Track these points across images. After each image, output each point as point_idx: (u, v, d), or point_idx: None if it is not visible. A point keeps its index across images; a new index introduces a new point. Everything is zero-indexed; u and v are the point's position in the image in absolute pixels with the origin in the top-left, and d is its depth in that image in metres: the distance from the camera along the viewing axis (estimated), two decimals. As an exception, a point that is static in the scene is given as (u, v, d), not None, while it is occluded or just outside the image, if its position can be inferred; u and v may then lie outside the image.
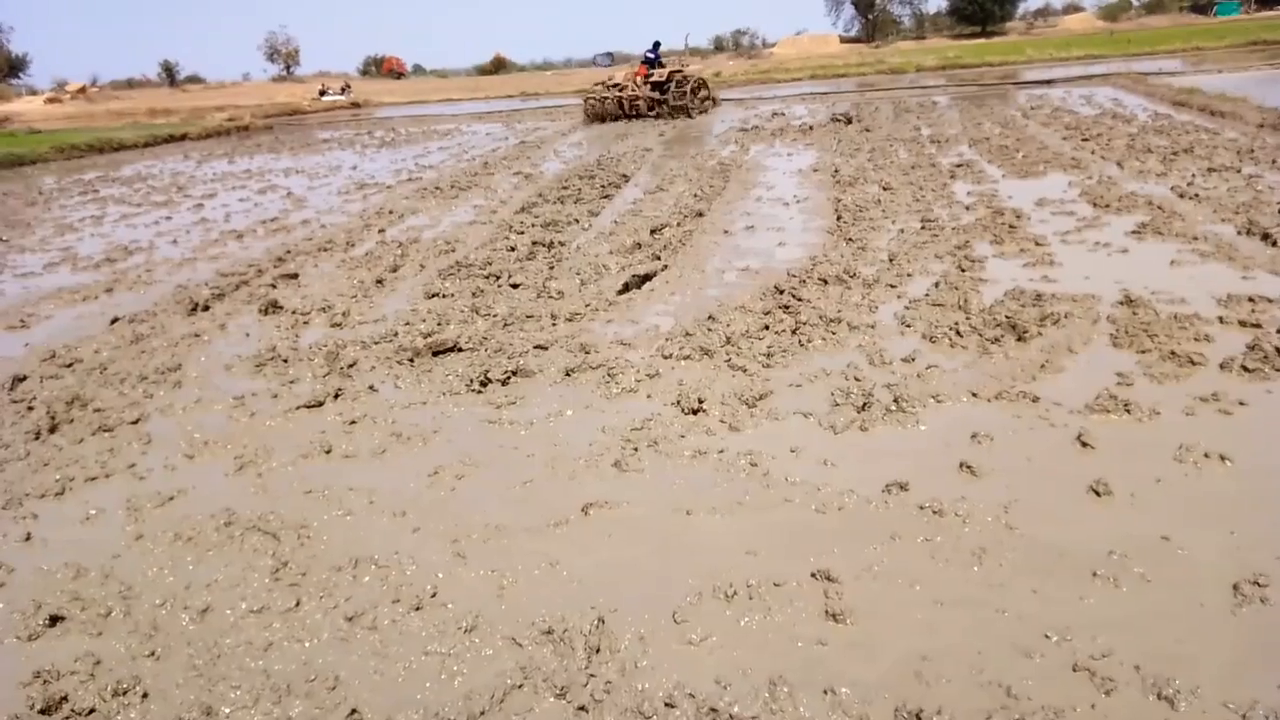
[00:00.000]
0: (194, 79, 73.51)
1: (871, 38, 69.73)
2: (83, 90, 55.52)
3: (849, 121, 16.76)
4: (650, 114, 21.80)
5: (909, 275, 6.03)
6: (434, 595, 2.89)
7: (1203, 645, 2.40)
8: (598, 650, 2.54)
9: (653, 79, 22.20)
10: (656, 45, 23.14)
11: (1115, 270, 5.79)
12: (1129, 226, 6.88)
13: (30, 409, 4.76)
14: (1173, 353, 4.28)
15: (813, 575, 2.81)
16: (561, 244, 7.87)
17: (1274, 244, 5.97)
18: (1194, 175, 8.65)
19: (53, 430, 4.48)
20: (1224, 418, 3.68)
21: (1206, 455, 3.34)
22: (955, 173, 10.12)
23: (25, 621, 2.89)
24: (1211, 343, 4.43)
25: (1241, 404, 3.76)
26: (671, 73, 22.33)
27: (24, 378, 5.23)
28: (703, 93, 22.74)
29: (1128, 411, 3.75)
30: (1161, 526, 2.93)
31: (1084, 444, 3.51)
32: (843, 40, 70.29)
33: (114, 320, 6.38)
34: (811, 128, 16.49)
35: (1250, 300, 4.92)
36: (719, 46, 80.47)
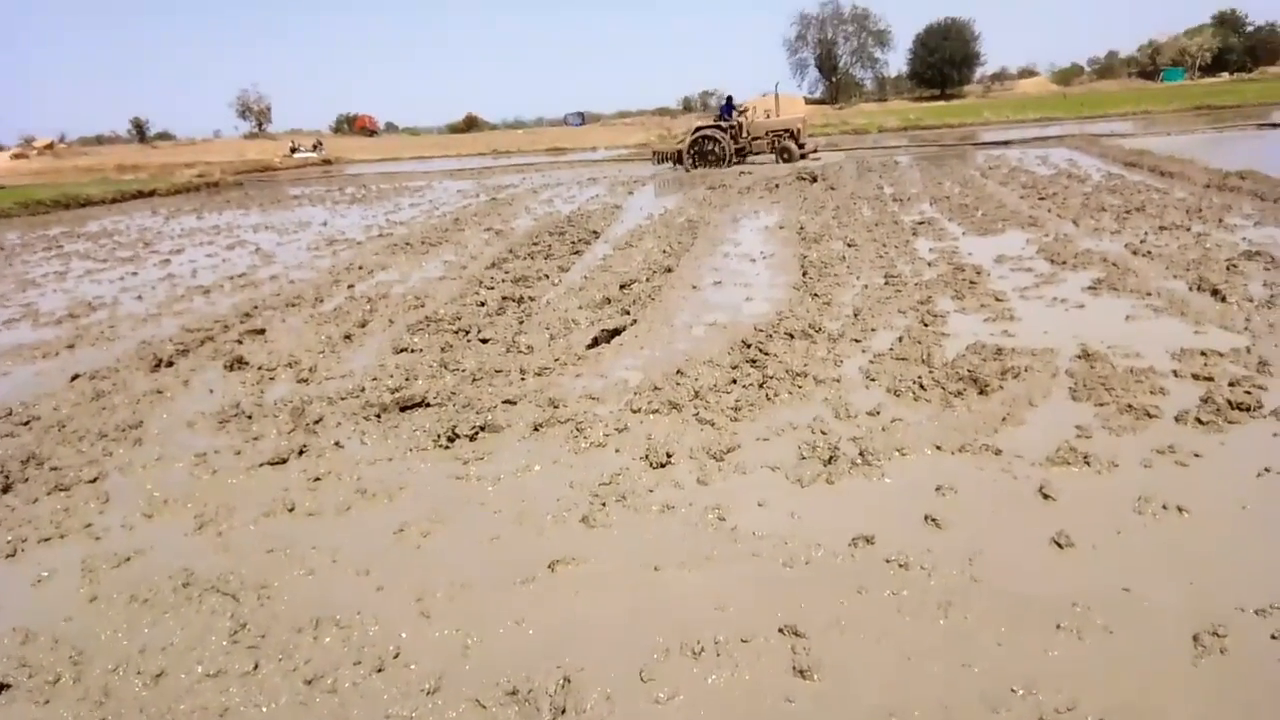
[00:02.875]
0: (164, 135, 73.58)
1: (835, 99, 71.70)
2: (50, 146, 55.31)
3: (814, 180, 17.15)
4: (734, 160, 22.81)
5: (873, 330, 6.13)
6: (396, 656, 2.83)
7: (1166, 696, 2.42)
8: (563, 711, 2.51)
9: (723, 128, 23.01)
10: (729, 99, 23.75)
11: (1073, 325, 5.93)
12: (1085, 282, 7.07)
13: (-16, 468, 4.64)
14: (1129, 405, 4.37)
15: (780, 630, 2.80)
16: (531, 299, 7.91)
17: (1223, 299, 6.15)
18: (1146, 233, 8.94)
19: (6, 490, 4.37)
20: (1180, 469, 3.75)
21: (1165, 506, 3.40)
22: (917, 230, 10.36)
23: (-31, 689, 2.78)
24: (1166, 395, 4.53)
25: (1197, 455, 3.84)
26: (731, 124, 23.00)
27: (-22, 436, 5.11)
28: (783, 143, 22.76)
29: (1087, 463, 3.82)
30: (1122, 577, 2.97)
31: (1045, 495, 3.56)
32: (808, 101, 72.21)
33: (74, 377, 6.27)
34: (778, 185, 16.82)
35: (1203, 354, 5.06)
36: (688, 106, 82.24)
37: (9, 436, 5.12)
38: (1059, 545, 3.19)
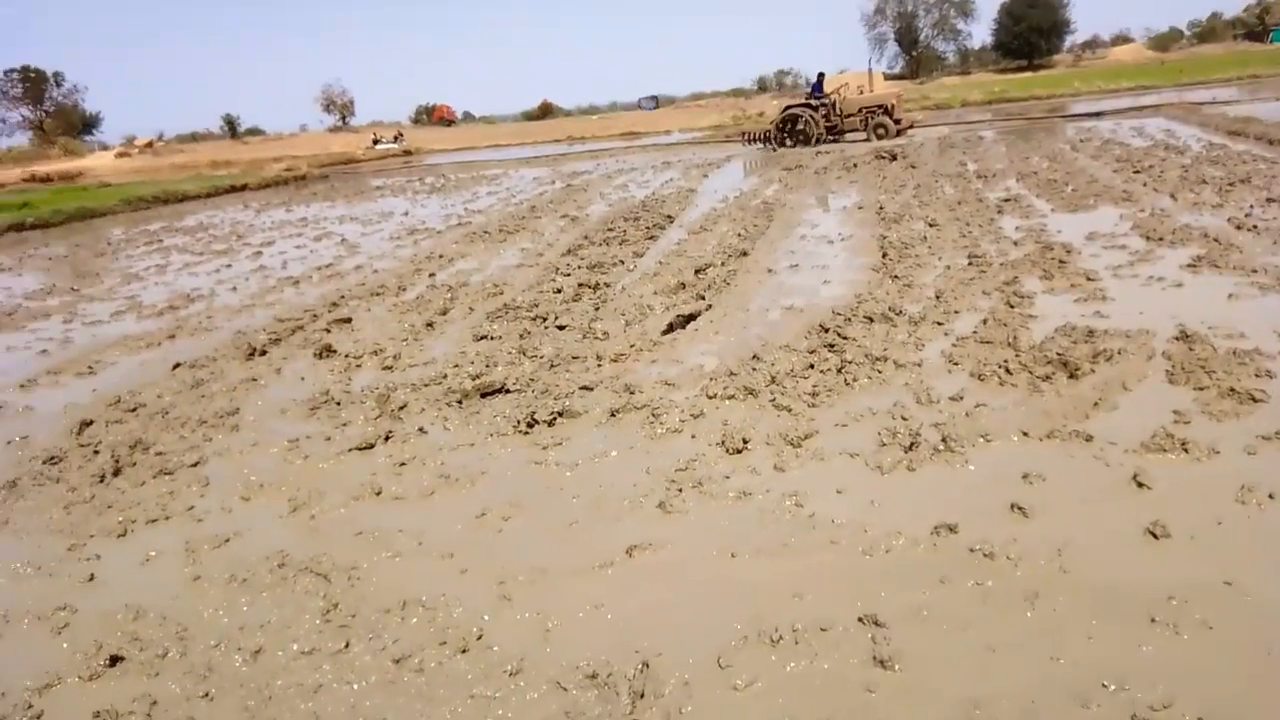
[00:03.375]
0: (254, 131, 76.28)
1: (916, 74, 69.66)
2: (149, 145, 57.93)
3: (894, 158, 16.74)
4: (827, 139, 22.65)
5: (956, 312, 5.97)
6: (480, 638, 2.91)
7: (1271, 696, 2.31)
8: (642, 695, 2.53)
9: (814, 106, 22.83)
10: (820, 76, 23.52)
11: (1170, 305, 5.66)
12: (1184, 260, 6.73)
13: (96, 453, 4.93)
14: (1232, 389, 4.16)
15: (860, 620, 2.77)
16: (607, 285, 7.96)
17: (1338, 275, 5.79)
18: (1252, 206, 8.45)
19: (116, 473, 4.63)
20: (1288, 456, 3.55)
21: (1271, 496, 3.23)
22: (1002, 208, 10.02)
23: (87, 662, 2.97)
24: (1274, 379, 4.29)
25: (1307, 442, 3.63)
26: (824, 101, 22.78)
27: (90, 422, 5.42)
28: (877, 119, 22.25)
29: (1185, 450, 3.65)
30: (1224, 570, 2.83)
31: (1140, 484, 3.42)
32: (887, 78, 70.46)
33: (175, 366, 6.59)
34: (856, 164, 16.49)
35: (1314, 334, 4.77)
36: (762, 87, 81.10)
37: (118, 423, 5.42)
38: (1154, 536, 3.07)
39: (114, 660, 2.98)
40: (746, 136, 25.94)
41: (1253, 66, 37.65)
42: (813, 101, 22.85)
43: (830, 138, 22.60)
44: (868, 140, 21.71)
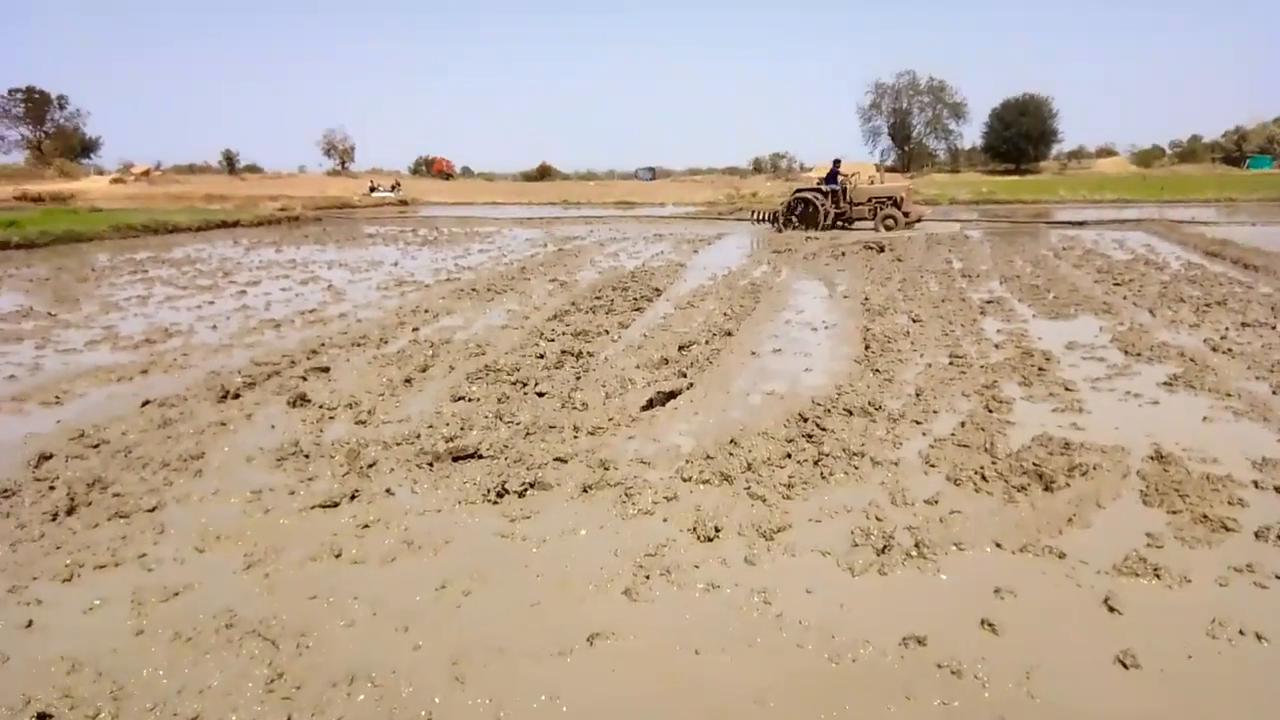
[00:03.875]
0: (252, 168, 76.90)
1: (907, 168, 71.59)
2: (146, 173, 58.21)
3: (881, 250, 17.04)
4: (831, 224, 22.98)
5: (935, 412, 5.99)
6: (428, 722, 2.79)
7: None
8: (592, 799, 2.43)
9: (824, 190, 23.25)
10: (836, 163, 23.86)
11: (1146, 422, 5.71)
12: (1160, 377, 6.83)
13: (52, 489, 4.79)
14: (1205, 515, 4.16)
15: (822, 732, 2.69)
16: (590, 354, 7.95)
17: (1310, 406, 5.87)
18: (1227, 328, 8.63)
19: (70, 512, 4.49)
20: (1259, 591, 3.54)
21: (1241, 632, 3.20)
22: (985, 309, 10.18)
23: (13, 717, 2.82)
24: (1246, 508, 4.31)
25: (1278, 577, 3.62)
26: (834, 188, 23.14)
27: (49, 456, 5.28)
28: (886, 211, 22.52)
29: (1157, 576, 3.63)
30: (1192, 708, 2.79)
31: (1111, 608, 3.39)
32: (878, 169, 72.28)
33: (145, 403, 6.47)
34: (844, 253, 16.76)
35: (1286, 464, 4.81)
36: (757, 168, 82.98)
37: (78, 458, 5.28)
38: (1124, 665, 3.02)
39: (41, 718, 2.83)
40: (755, 215, 26.40)
41: (1230, 190, 39.03)
42: (823, 188, 23.28)
43: (839, 224, 22.97)
44: (875, 230, 22.02)
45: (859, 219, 23.02)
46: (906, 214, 22.69)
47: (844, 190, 23.01)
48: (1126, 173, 67.72)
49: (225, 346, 8.77)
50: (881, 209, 22.62)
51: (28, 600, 3.64)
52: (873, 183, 24.25)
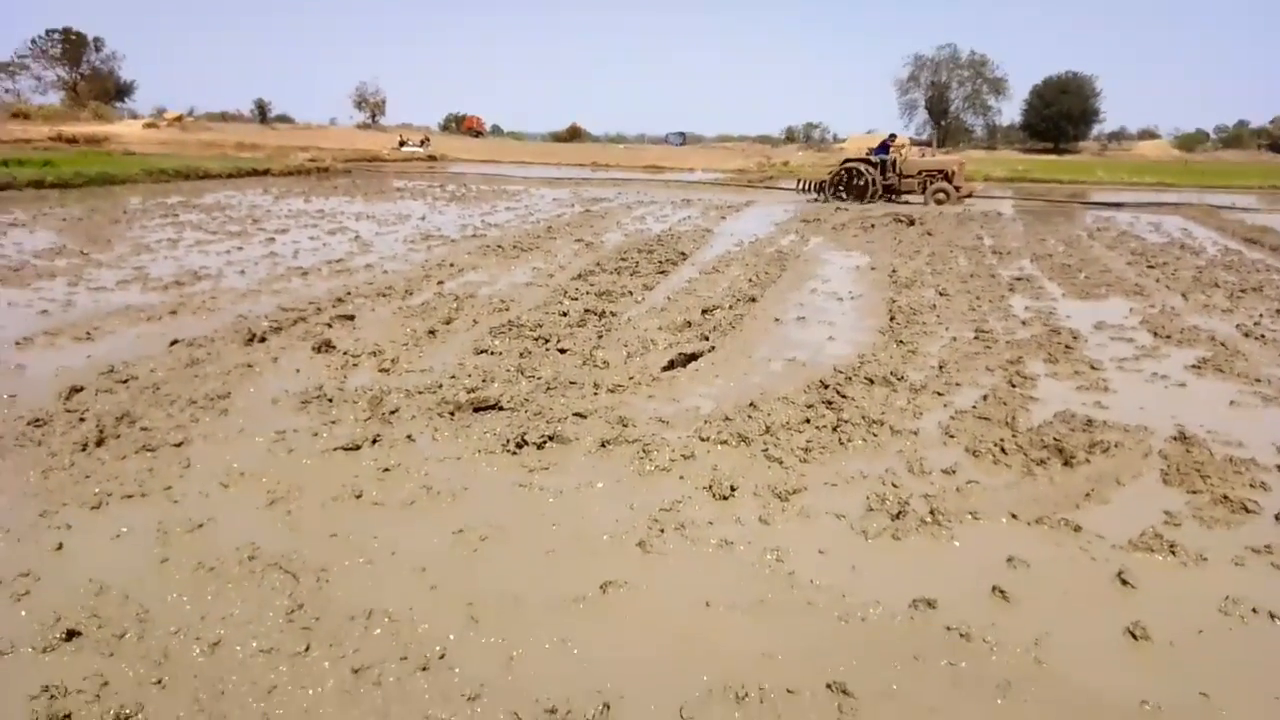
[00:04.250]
0: (283, 118, 76.87)
1: (943, 144, 70.42)
2: (179, 119, 58.36)
3: (911, 223, 16.85)
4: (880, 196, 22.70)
5: (957, 385, 5.96)
6: (442, 657, 2.86)
7: (1236, 818, 2.26)
8: (599, 738, 2.48)
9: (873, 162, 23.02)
10: (891, 137, 23.86)
11: (1171, 404, 5.65)
12: (1189, 360, 6.74)
13: (82, 420, 4.89)
14: (1225, 497, 4.13)
15: (828, 687, 2.72)
16: (613, 314, 7.96)
17: (1341, 395, 5.78)
18: (1261, 315, 8.48)
19: (100, 444, 4.59)
20: (1276, 572, 3.52)
21: (1255, 610, 3.19)
22: (1014, 286, 10.07)
23: (43, 633, 2.92)
24: (1268, 491, 4.27)
25: (1296, 560, 3.60)
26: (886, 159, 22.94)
27: (80, 389, 5.39)
28: (937, 185, 22.32)
29: (1173, 553, 3.62)
30: (1201, 682, 2.79)
31: (1124, 582, 3.38)
32: (913, 143, 71.21)
33: (173, 342, 6.57)
34: (873, 225, 16.58)
35: (1312, 451, 4.75)
36: (790, 137, 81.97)
37: (108, 393, 5.38)
38: (1134, 637, 3.03)
39: (70, 634, 2.93)
40: (800, 184, 26.07)
41: (1274, 178, 37.97)
42: (872, 159, 22.98)
43: (886, 197, 22.69)
44: (925, 204, 21.71)
45: (907, 191, 22.71)
46: (958, 188, 22.39)
47: (893, 163, 22.70)
48: (1168, 157, 66.21)
49: (253, 292, 8.86)
50: (932, 182, 22.32)
51: (58, 525, 3.74)
52: (923, 155, 23.91)
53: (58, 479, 4.18)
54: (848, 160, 23.88)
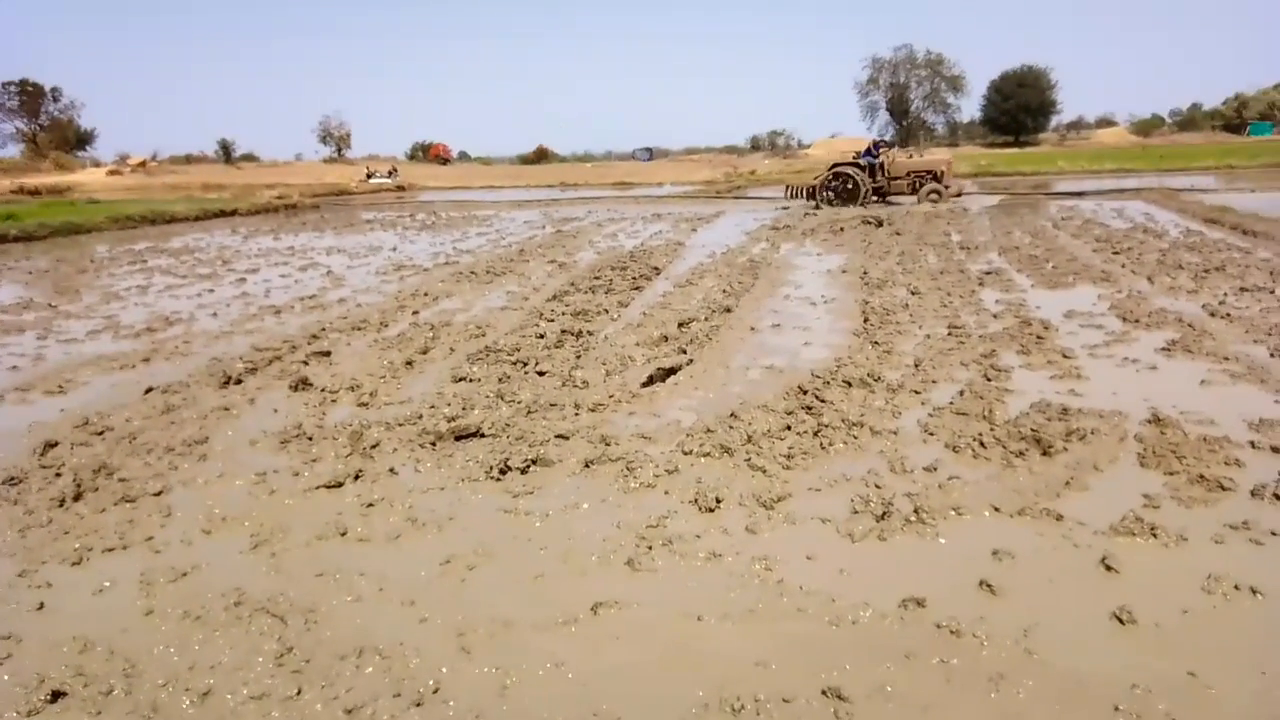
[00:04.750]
0: (248, 157, 76.61)
1: (905, 143, 71.26)
2: (143, 164, 57.98)
3: (879, 224, 17.01)
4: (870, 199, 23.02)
5: (934, 382, 6.01)
6: (435, 691, 2.84)
7: (1231, 793, 2.29)
8: (598, 760, 2.47)
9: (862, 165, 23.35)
10: (875, 144, 24.26)
11: (1144, 387, 5.74)
12: (1158, 343, 6.84)
13: (58, 475, 4.83)
14: (1201, 476, 4.20)
15: (823, 692, 2.73)
16: (590, 333, 7.97)
17: (1307, 368, 5.89)
18: (1225, 294, 8.63)
19: (77, 498, 4.53)
20: (1255, 548, 3.57)
21: (1236, 587, 3.24)
22: (984, 280, 10.18)
23: (27, 696, 2.87)
24: (1242, 468, 4.34)
25: (1274, 534, 3.66)
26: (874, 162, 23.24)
27: (55, 443, 5.32)
28: (929, 185, 22.66)
29: (1154, 535, 3.66)
30: (1188, 661, 2.83)
31: (1108, 567, 3.42)
32: (883, 143, 71.92)
33: (148, 390, 6.50)
34: (843, 229, 16.73)
35: (1283, 425, 4.84)
36: (755, 146, 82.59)
37: (83, 445, 5.32)
38: (1120, 621, 3.06)
39: (55, 695, 2.88)
40: (790, 191, 26.26)
41: (1230, 157, 38.79)
42: (861, 162, 23.31)
43: (875, 199, 22.98)
44: (918, 204, 21.96)
45: (896, 193, 23.07)
46: (947, 187, 22.75)
47: (881, 165, 23.05)
48: (1126, 143, 67.35)
49: (226, 333, 8.80)
50: (922, 183, 22.65)
51: (38, 584, 3.69)
52: (910, 156, 24.26)
53: (36, 536, 4.12)
54: (836, 165, 24.19)
